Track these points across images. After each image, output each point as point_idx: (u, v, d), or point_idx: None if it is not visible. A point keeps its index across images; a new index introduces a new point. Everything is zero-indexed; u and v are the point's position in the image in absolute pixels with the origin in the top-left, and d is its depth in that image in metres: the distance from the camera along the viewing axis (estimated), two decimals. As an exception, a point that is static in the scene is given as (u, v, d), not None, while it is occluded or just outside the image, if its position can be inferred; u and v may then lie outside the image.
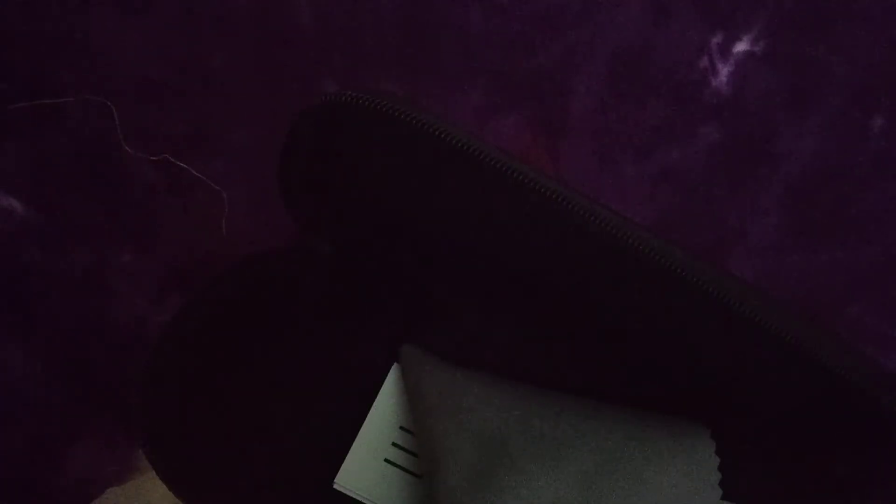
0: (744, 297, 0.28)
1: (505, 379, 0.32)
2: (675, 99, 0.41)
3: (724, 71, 0.41)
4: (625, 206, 0.41)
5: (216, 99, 0.42)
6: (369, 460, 0.32)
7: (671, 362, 0.30)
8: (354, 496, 0.32)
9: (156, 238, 0.42)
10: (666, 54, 0.41)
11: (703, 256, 0.39)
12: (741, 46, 0.41)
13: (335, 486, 0.32)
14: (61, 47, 0.41)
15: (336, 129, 0.30)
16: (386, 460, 0.32)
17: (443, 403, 0.31)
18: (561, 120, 0.41)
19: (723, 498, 0.29)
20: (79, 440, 0.42)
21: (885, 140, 0.41)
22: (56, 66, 0.41)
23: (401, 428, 0.33)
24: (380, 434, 0.33)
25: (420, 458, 0.31)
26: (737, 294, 0.28)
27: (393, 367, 0.33)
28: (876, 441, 0.29)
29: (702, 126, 0.41)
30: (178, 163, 0.41)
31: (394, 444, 0.33)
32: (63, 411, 0.42)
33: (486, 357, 0.33)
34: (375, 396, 0.33)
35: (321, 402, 0.33)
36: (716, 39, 0.41)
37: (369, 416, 0.33)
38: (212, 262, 0.42)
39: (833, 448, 0.30)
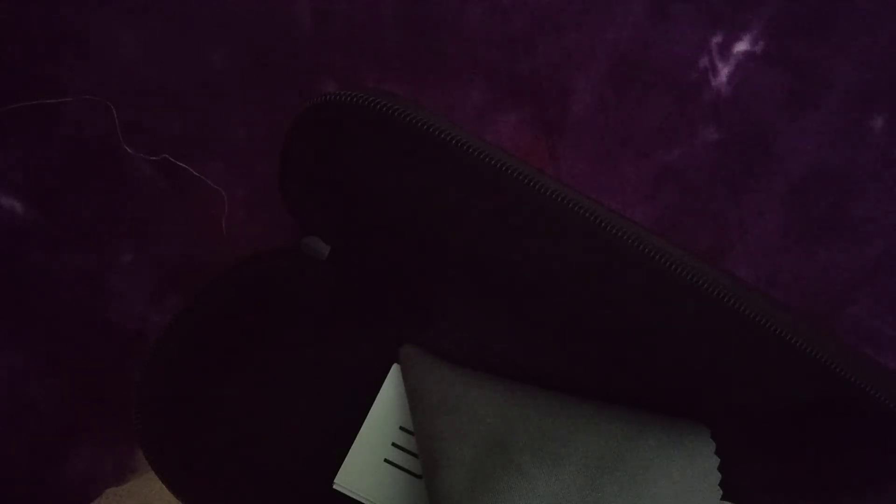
0: (743, 297, 0.28)
1: (505, 379, 0.32)
2: (675, 99, 0.41)
3: (724, 71, 0.41)
4: (625, 206, 0.41)
5: (216, 99, 0.41)
6: (369, 460, 0.32)
7: (671, 362, 0.30)
8: (354, 496, 0.32)
9: (156, 238, 0.42)
10: (666, 54, 0.41)
11: (702, 256, 0.39)
12: (741, 46, 0.41)
13: (335, 487, 0.32)
14: (61, 47, 0.41)
15: (335, 128, 0.30)
16: (386, 460, 0.32)
17: (442, 403, 0.31)
18: (561, 120, 0.41)
19: (723, 498, 0.30)
20: (79, 440, 0.42)
21: (886, 140, 0.41)
22: (56, 66, 0.41)
23: (401, 428, 0.33)
24: (380, 434, 0.33)
25: (420, 458, 0.31)
26: (736, 294, 0.28)
27: (393, 367, 0.33)
28: (876, 441, 0.29)
29: (702, 126, 0.41)
30: (178, 163, 0.41)
31: (394, 445, 0.33)
32: (63, 411, 0.41)
33: (486, 357, 0.33)
34: (375, 396, 0.33)
35: (321, 403, 0.33)
36: (716, 39, 0.41)
37: (369, 416, 0.33)
38: (212, 263, 0.42)
39: (833, 448, 0.30)
